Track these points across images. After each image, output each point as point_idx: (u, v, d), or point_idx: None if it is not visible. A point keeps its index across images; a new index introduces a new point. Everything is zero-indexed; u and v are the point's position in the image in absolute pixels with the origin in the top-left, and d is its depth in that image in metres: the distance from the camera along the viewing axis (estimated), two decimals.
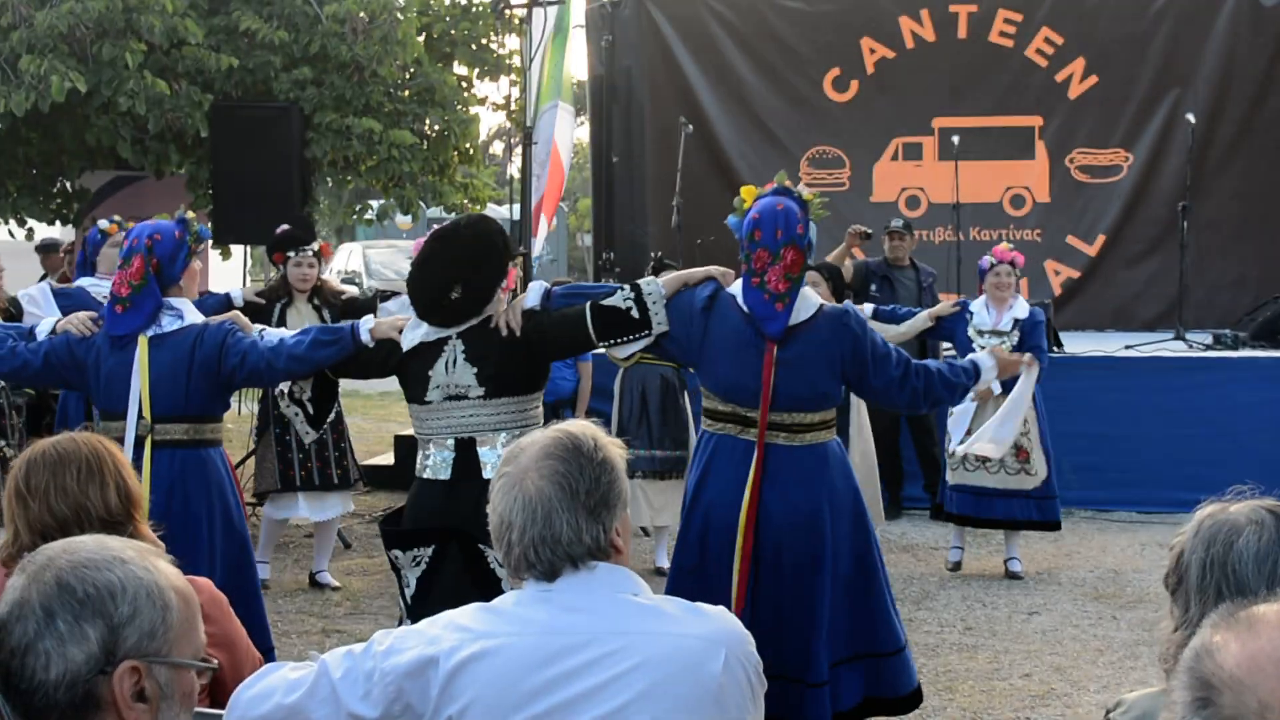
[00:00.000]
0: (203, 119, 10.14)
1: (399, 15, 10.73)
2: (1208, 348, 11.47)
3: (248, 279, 14.75)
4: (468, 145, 11.83)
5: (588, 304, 5.07)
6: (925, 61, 14.52)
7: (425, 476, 5.00)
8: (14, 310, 7.67)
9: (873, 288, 10.35)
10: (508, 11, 12.21)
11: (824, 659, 5.06)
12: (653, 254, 9.81)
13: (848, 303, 5.49)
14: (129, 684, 1.90)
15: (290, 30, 10.44)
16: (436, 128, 11.27)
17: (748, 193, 5.28)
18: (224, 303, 8.40)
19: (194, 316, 5.47)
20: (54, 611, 1.90)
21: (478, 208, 12.28)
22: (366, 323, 5.23)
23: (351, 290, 9.81)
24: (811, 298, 5.19)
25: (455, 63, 11.80)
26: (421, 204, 11.90)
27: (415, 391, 5.04)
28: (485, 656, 2.46)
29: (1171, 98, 14.10)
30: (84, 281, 7.88)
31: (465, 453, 4.95)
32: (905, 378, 5.16)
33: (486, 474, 4.76)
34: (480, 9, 11.71)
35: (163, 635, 1.95)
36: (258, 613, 5.42)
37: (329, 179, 12.37)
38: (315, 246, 8.65)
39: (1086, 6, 14.38)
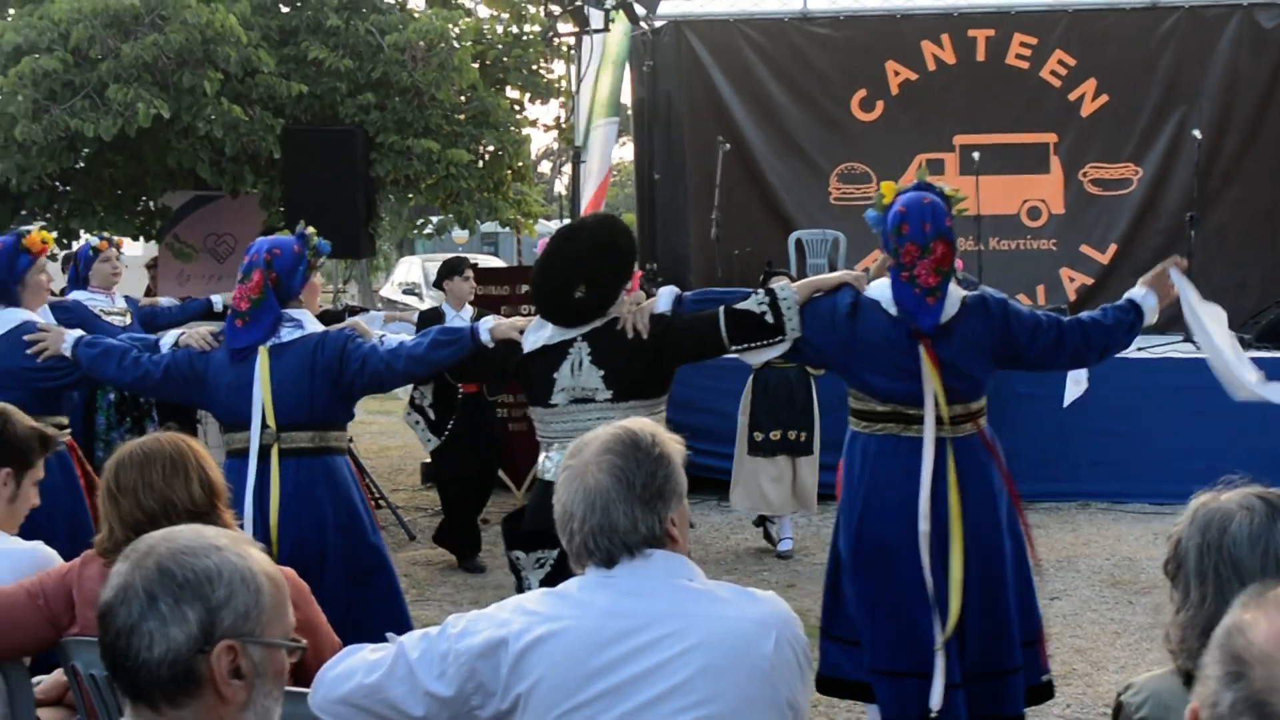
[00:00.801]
0: (275, 142, 10.18)
1: (455, 44, 10.74)
2: None
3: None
4: (520, 164, 11.84)
5: (721, 308, 4.75)
6: (946, 83, 14.43)
7: (549, 479, 4.63)
8: None
9: None
10: (557, 39, 12.23)
11: (1018, 642, 4.80)
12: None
13: (983, 287, 5.19)
14: (226, 662, 1.92)
15: (355, 59, 10.47)
16: (491, 148, 11.26)
17: (888, 188, 4.89)
18: (206, 306, 8.40)
19: (314, 326, 5.13)
20: (156, 595, 1.92)
21: (530, 223, 12.30)
22: (486, 323, 4.93)
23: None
24: (955, 293, 4.80)
25: (508, 87, 11.80)
26: (477, 219, 11.91)
27: (539, 394, 4.73)
28: (551, 638, 2.46)
29: (1178, 115, 13.95)
30: (79, 295, 7.76)
31: None
32: (1060, 339, 4.83)
33: None
34: (531, 37, 11.70)
35: (256, 617, 1.96)
36: (399, 609, 5.12)
37: (391, 196, 12.40)
38: None
39: (1097, 30, 14.26)
